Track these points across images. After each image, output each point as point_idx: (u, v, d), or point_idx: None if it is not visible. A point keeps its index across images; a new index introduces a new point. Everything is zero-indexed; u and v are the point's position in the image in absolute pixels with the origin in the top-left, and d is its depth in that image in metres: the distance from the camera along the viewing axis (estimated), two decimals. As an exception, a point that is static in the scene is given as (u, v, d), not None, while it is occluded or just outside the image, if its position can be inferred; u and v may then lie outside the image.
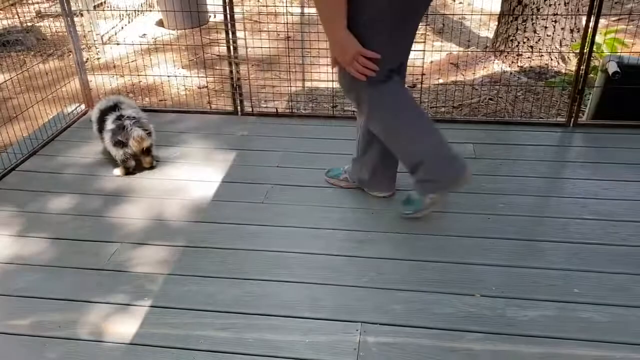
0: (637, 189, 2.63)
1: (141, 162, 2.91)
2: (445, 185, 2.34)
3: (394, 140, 2.30)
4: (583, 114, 3.43)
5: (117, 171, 2.90)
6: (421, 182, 2.33)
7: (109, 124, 2.80)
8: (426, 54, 3.32)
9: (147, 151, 2.86)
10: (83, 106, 3.67)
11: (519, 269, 2.15)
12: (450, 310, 1.96)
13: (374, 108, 2.23)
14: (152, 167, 2.93)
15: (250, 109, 3.61)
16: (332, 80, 3.39)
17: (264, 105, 3.92)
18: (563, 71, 4.61)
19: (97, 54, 5.58)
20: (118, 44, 5.51)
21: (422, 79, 3.53)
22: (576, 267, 2.14)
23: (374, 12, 1.99)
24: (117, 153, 2.81)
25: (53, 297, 2.09)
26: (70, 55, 3.82)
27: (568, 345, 1.81)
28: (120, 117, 2.79)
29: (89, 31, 5.62)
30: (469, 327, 1.89)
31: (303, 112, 3.79)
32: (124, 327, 1.94)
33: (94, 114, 2.99)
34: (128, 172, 2.88)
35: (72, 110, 3.60)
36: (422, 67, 3.39)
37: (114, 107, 2.87)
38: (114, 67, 5.04)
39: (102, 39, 5.72)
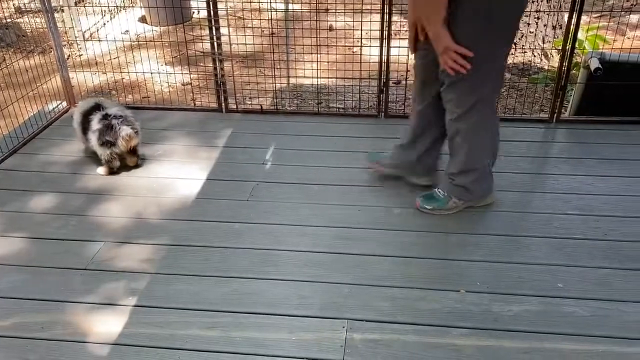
0: (619, 184, 2.66)
1: (126, 160, 2.87)
2: (474, 198, 2.45)
3: (477, 140, 2.32)
4: (565, 110, 3.47)
5: (101, 170, 2.86)
6: (459, 185, 2.41)
7: (95, 124, 2.74)
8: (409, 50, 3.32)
9: (134, 150, 2.83)
10: (65, 103, 3.62)
11: (504, 264, 2.17)
12: (436, 306, 1.97)
13: (483, 102, 2.23)
14: (137, 166, 2.90)
15: (235, 106, 3.59)
16: (317, 77, 3.40)
17: (249, 102, 3.90)
18: (546, 67, 4.65)
19: (79, 50, 5.51)
20: (100, 40, 5.44)
21: (406, 75, 3.54)
22: (560, 262, 2.17)
23: (518, 8, 2.09)
24: (104, 153, 2.76)
25: (35, 297, 2.06)
26: (51, 51, 3.77)
27: (552, 339, 1.82)
28: (106, 117, 2.74)
29: (70, 27, 5.54)
30: (454, 322, 1.90)
31: (288, 109, 3.78)
32: (108, 327, 1.92)
33: (75, 117, 2.93)
34: (112, 171, 2.85)
35: (54, 108, 3.55)
36: (407, 63, 3.39)
37: (97, 107, 2.82)
38: (96, 64, 4.98)
39: (83, 35, 5.64)
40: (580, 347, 1.79)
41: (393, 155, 2.67)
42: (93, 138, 2.76)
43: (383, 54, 3.19)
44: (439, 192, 2.47)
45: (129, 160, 2.87)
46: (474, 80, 2.15)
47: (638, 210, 2.46)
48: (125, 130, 2.70)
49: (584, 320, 1.89)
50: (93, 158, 2.92)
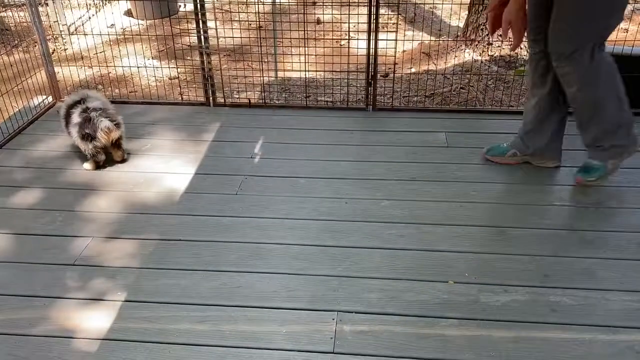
0: (604, 174, 2.69)
1: (112, 155, 2.86)
2: (629, 150, 2.50)
3: (604, 105, 2.37)
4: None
5: (87, 165, 2.84)
6: (609, 148, 2.46)
7: (75, 118, 2.73)
8: (398, 43, 3.32)
9: (117, 144, 2.81)
10: (50, 98, 3.59)
11: (491, 255, 2.19)
12: (424, 297, 1.99)
13: (594, 73, 2.31)
14: (123, 161, 2.88)
15: (223, 100, 3.58)
16: (305, 70, 3.39)
17: (236, 96, 3.88)
18: (532, 60, 4.67)
19: (64, 44, 5.45)
20: (85, 34, 5.39)
21: (394, 68, 3.55)
22: (546, 252, 2.19)
23: None
24: (86, 147, 2.75)
25: (23, 294, 2.04)
26: (35, 46, 3.72)
27: (539, 328, 1.85)
28: (85, 110, 2.73)
29: (54, 21, 5.48)
30: (442, 313, 1.92)
31: (276, 102, 3.77)
32: (97, 322, 1.91)
33: (61, 110, 2.92)
34: (98, 166, 2.83)
35: (39, 103, 3.51)
36: (395, 56, 3.40)
37: (80, 101, 2.80)
38: (82, 58, 4.92)
39: (68, 29, 5.59)
40: (567, 336, 1.82)
41: (519, 144, 2.74)
42: (74, 132, 2.74)
43: (371, 47, 3.19)
44: (590, 162, 2.53)
45: (114, 154, 2.85)
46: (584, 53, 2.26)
47: (622, 201, 2.49)
48: (103, 123, 2.68)
49: (570, 310, 1.92)
50: (79, 153, 2.89)
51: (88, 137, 2.71)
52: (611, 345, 1.78)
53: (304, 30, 3.33)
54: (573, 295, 1.97)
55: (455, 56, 4.81)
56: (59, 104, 3.58)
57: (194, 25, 3.30)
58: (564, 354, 1.76)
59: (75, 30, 5.72)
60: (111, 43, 5.09)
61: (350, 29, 3.43)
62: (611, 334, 1.82)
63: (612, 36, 3.54)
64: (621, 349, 1.77)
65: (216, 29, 3.56)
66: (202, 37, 3.31)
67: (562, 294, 1.99)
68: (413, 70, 4.58)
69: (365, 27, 3.16)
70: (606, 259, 2.15)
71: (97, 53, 4.98)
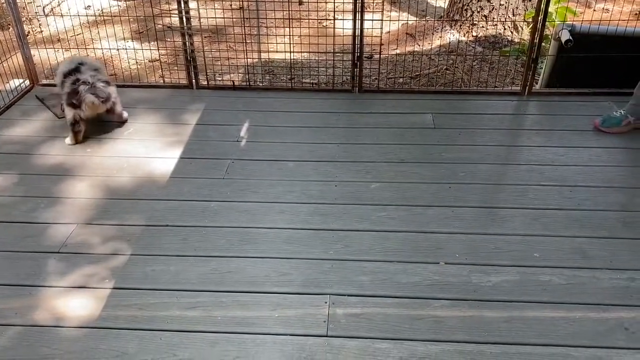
0: (590, 154, 2.71)
1: (87, 129, 2.88)
2: None
3: None
4: (537, 82, 3.50)
5: (69, 140, 2.85)
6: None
7: (67, 87, 2.82)
8: (383, 24, 3.28)
9: (111, 110, 2.91)
10: (27, 82, 3.49)
11: (481, 235, 2.19)
12: (416, 279, 1.99)
13: None
14: (124, 122, 3.02)
15: (206, 82, 3.51)
16: (290, 52, 3.34)
17: (220, 79, 3.81)
18: (516, 40, 4.68)
19: (40, 26, 5.29)
20: (62, 15, 5.23)
21: (380, 49, 3.51)
22: (536, 232, 2.20)
23: None
24: (69, 113, 2.80)
25: (7, 283, 1.99)
26: (10, 28, 3.60)
27: (530, 308, 1.86)
28: (76, 81, 2.80)
29: (29, 2, 5.32)
30: (435, 294, 1.92)
31: (260, 84, 3.71)
32: (85, 311, 1.87)
33: (58, 75, 2.97)
34: (78, 139, 2.84)
35: (16, 87, 3.41)
36: (380, 37, 3.36)
37: (76, 69, 2.86)
38: (59, 40, 4.79)
39: (44, 10, 5.43)
40: (558, 315, 1.83)
41: (636, 111, 2.85)
42: (64, 98, 2.84)
43: (357, 28, 3.15)
44: (610, 114, 2.78)
45: (112, 118, 2.98)
46: None
47: (610, 180, 2.51)
48: (89, 98, 2.76)
49: (560, 288, 1.93)
50: (59, 137, 2.83)
51: (73, 105, 2.78)
52: (601, 323, 1.80)
53: (289, 11, 3.27)
54: (563, 274, 1.99)
55: (440, 37, 4.79)
56: (38, 87, 3.49)
57: (175, 6, 3.22)
58: (555, 332, 1.77)
59: (51, 11, 5.56)
60: (89, 25, 4.96)
61: (333, 9, 3.38)
62: (601, 311, 1.84)
63: (596, 16, 3.54)
64: (611, 327, 1.79)
65: (198, 9, 3.48)
66: (184, 17, 3.23)
67: (552, 273, 2.00)
68: (397, 51, 4.54)
69: (348, 7, 3.11)
70: (595, 237, 2.16)
71: (74, 35, 4.84)
